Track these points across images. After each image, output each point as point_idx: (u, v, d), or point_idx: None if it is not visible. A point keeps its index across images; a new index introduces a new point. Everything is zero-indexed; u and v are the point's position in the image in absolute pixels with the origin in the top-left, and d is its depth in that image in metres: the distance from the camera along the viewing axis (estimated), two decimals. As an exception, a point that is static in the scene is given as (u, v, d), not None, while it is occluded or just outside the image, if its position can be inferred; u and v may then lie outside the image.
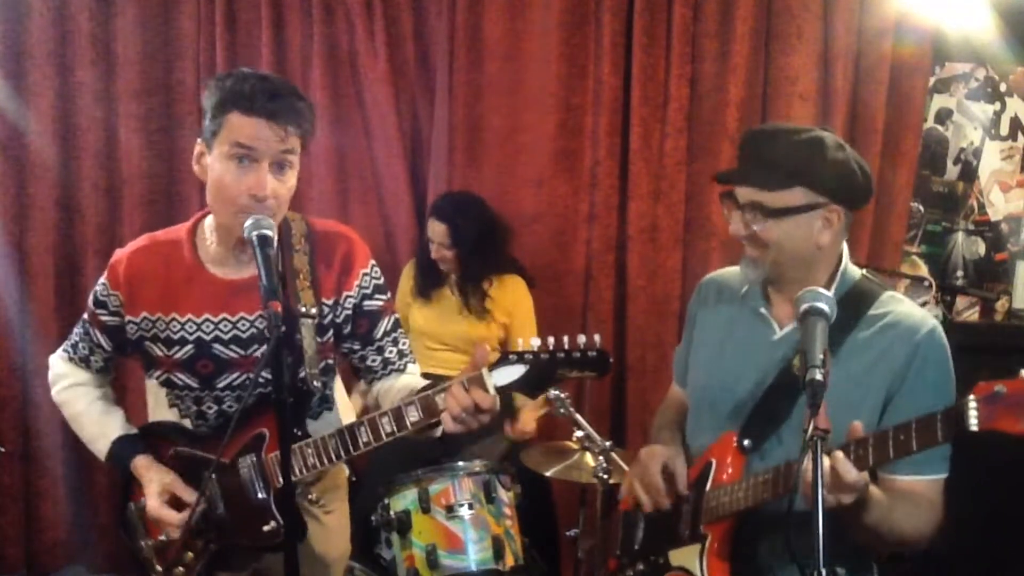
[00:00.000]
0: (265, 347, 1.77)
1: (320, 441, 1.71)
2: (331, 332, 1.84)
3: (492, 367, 1.59)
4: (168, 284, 1.80)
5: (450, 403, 1.58)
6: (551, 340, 1.59)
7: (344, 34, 3.31)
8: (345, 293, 1.83)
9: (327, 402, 1.92)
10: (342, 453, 1.70)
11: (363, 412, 2.84)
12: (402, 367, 1.93)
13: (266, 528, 1.74)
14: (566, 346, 1.58)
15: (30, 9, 3.22)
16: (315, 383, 1.79)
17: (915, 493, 1.55)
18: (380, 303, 1.88)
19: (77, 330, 1.94)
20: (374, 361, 1.91)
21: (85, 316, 1.91)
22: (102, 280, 1.86)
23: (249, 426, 1.76)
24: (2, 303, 3.30)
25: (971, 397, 1.28)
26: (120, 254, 1.85)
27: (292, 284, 1.76)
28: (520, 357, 1.58)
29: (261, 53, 3.28)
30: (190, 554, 1.82)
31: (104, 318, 1.86)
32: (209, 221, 1.83)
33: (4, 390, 3.34)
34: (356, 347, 1.89)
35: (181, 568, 1.83)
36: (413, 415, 1.63)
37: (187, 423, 1.88)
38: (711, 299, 1.86)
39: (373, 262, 1.89)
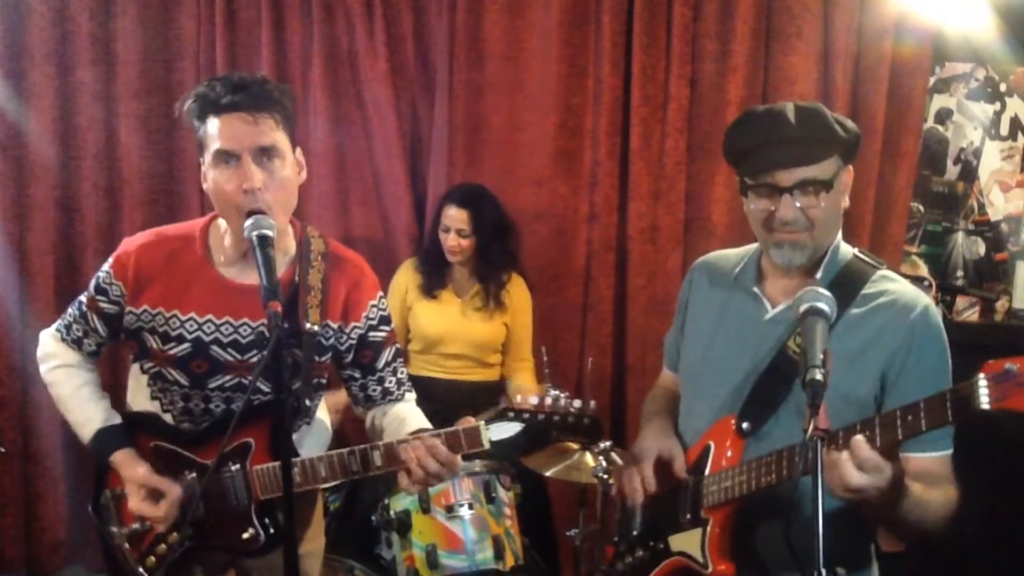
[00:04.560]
0: (264, 354, 1.78)
1: (308, 462, 1.74)
2: (330, 354, 1.86)
3: (489, 421, 1.66)
4: (174, 280, 1.79)
5: (410, 455, 1.67)
6: (548, 400, 1.66)
7: (344, 34, 3.30)
8: (353, 324, 1.86)
9: (307, 416, 1.94)
10: (330, 478, 1.75)
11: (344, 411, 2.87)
12: (400, 396, 1.98)
13: (245, 535, 1.78)
14: (563, 408, 1.66)
15: (30, 9, 3.22)
16: (305, 400, 1.82)
17: (931, 471, 1.54)
18: (384, 334, 1.92)
19: (72, 311, 1.92)
20: (374, 391, 1.96)
21: (83, 299, 1.90)
22: (106, 268, 1.85)
23: (236, 433, 1.76)
24: (2, 303, 3.30)
25: (981, 376, 1.24)
26: (129, 245, 1.84)
27: (304, 299, 1.77)
28: (518, 415, 1.63)
29: (261, 53, 3.28)
30: (163, 546, 1.82)
31: (103, 305, 1.85)
32: (223, 221, 1.83)
33: (4, 390, 3.33)
34: (357, 375, 1.93)
35: (153, 558, 1.83)
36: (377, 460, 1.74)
37: (168, 418, 1.87)
38: (703, 283, 1.85)
39: (381, 293, 1.93)
